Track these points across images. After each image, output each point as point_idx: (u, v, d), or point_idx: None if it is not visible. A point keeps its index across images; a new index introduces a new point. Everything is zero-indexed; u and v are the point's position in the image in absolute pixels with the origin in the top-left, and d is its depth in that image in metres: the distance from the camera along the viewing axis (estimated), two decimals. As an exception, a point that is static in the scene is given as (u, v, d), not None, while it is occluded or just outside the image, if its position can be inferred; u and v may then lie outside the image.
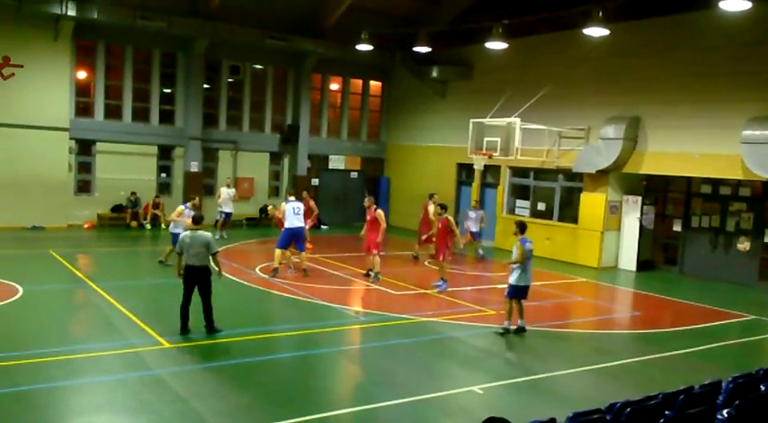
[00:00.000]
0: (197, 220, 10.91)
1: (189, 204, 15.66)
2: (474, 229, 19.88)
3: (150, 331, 10.30)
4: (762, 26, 15.95)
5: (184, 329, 10.17)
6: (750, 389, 6.11)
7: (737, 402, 5.26)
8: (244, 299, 13.49)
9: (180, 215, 15.24)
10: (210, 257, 10.19)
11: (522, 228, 11.38)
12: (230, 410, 7.54)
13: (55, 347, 9.38)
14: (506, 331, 11.25)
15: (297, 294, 13.54)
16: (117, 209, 22.56)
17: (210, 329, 10.26)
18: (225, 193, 21.32)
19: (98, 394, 7.95)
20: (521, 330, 11.36)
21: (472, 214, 20.10)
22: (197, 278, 10.15)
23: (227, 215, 21.30)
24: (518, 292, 11.35)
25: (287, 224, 15.01)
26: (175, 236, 13.78)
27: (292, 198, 15.62)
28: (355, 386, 9.18)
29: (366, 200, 15.91)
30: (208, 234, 10.35)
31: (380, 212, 15.31)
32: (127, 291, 13.13)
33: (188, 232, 10.39)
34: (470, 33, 22.09)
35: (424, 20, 23.86)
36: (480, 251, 19.90)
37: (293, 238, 15.12)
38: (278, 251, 14.97)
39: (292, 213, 15.04)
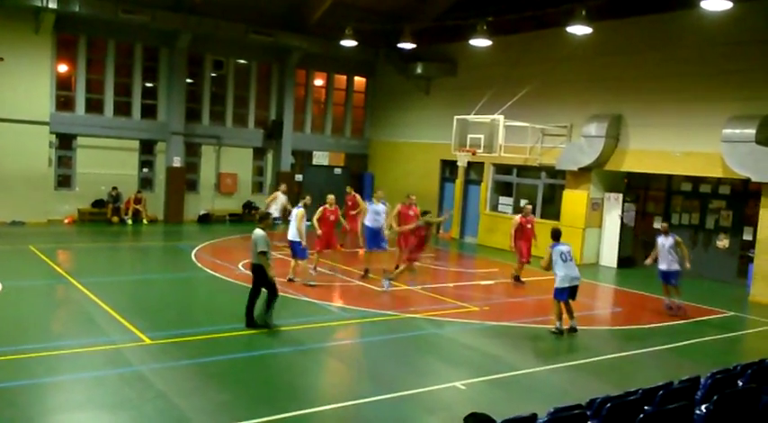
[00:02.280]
0: (261, 219, 11.04)
1: (301, 203, 14.55)
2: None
3: (131, 327, 10.23)
4: (742, 26, 16.12)
5: (249, 322, 10.58)
6: (728, 384, 6.19)
7: (716, 398, 5.31)
8: (226, 295, 13.42)
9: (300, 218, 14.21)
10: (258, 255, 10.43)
11: (554, 235, 11.64)
12: (212, 407, 7.51)
13: (35, 344, 9.27)
14: (559, 332, 11.36)
15: (281, 291, 13.48)
16: (98, 204, 22.36)
17: (261, 322, 10.61)
18: (282, 198, 19.34)
19: (78, 391, 7.89)
20: (572, 330, 11.46)
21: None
22: (254, 275, 10.64)
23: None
24: (561, 294, 11.42)
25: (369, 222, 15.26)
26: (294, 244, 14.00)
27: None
28: (338, 383, 9.18)
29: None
30: (258, 232, 10.51)
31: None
32: (108, 287, 13.02)
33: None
34: (455, 30, 22.13)
35: (409, 16, 23.84)
36: None
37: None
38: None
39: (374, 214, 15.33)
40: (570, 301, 11.55)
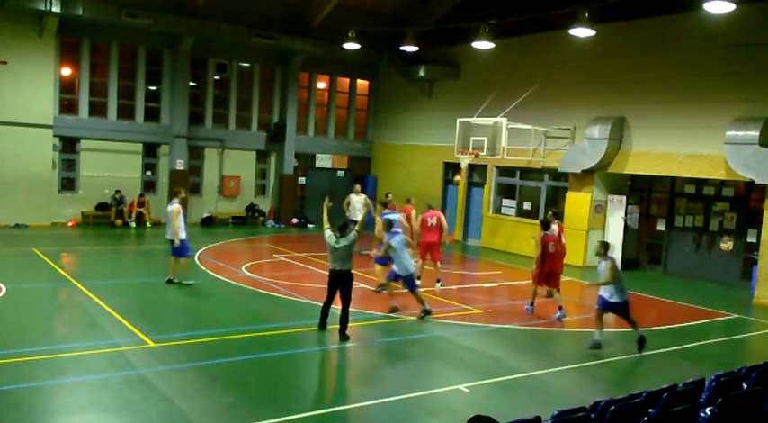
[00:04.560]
0: (342, 229, 10.62)
1: (176, 200, 14.01)
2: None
3: (135, 330, 10.24)
4: (745, 28, 16.10)
5: (321, 325, 10.75)
6: (733, 387, 6.18)
7: (720, 400, 5.31)
8: (230, 298, 13.44)
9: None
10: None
11: (605, 247, 10.96)
12: (215, 410, 7.52)
13: (39, 346, 9.30)
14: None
15: (283, 293, 13.51)
16: (101, 207, 22.39)
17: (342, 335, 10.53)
18: (355, 200, 18.82)
19: (82, 394, 7.90)
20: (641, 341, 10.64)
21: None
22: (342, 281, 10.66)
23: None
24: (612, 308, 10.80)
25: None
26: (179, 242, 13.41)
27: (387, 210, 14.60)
28: (341, 385, 9.18)
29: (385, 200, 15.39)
30: (353, 237, 10.60)
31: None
32: (111, 290, 13.04)
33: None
34: (457, 33, 22.15)
35: (412, 19, 23.87)
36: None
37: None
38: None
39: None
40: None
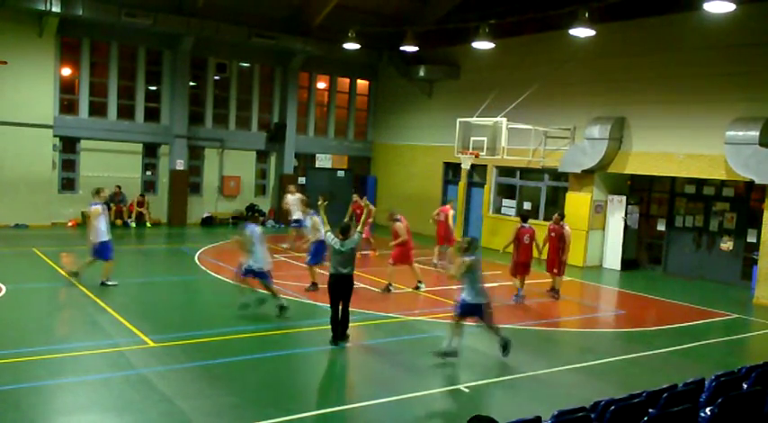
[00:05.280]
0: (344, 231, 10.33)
1: (98, 200, 13.27)
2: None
3: (135, 330, 10.25)
4: (746, 28, 16.10)
5: (335, 339, 10.24)
6: (733, 387, 6.18)
7: (720, 400, 5.31)
8: (230, 297, 13.42)
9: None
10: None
11: (470, 244, 10.06)
12: (216, 410, 7.52)
13: (39, 346, 9.30)
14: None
15: (283, 293, 13.49)
16: (102, 207, 22.36)
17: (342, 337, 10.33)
18: (291, 199, 19.25)
19: (82, 394, 7.90)
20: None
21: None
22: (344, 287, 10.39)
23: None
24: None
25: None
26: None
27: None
28: (341, 385, 9.18)
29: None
30: (356, 238, 10.41)
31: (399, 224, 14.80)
32: (111, 290, 13.02)
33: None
34: (457, 33, 22.15)
35: (412, 19, 23.87)
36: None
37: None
38: None
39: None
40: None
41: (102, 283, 13.12)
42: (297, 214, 18.40)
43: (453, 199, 21.04)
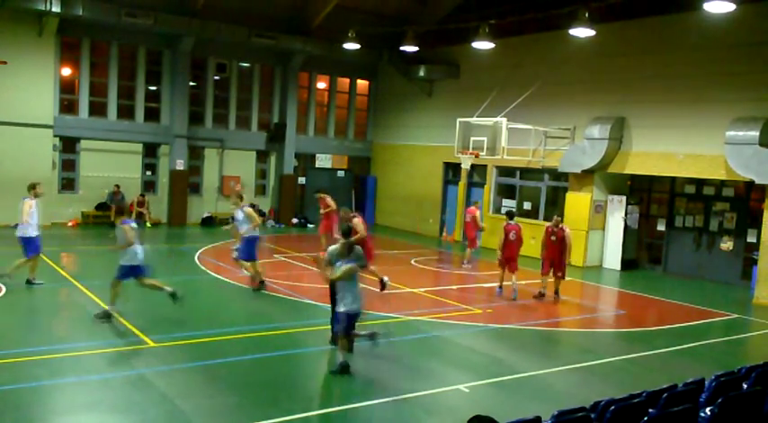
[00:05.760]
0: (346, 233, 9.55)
1: (31, 195, 13.06)
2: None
3: (135, 330, 10.24)
4: (746, 28, 16.10)
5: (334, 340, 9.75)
6: (733, 387, 6.18)
7: (720, 400, 5.30)
8: (230, 298, 13.43)
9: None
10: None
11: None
12: (216, 410, 7.52)
13: (38, 347, 9.30)
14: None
15: (284, 293, 13.51)
16: (101, 207, 22.39)
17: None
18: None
19: (83, 394, 7.90)
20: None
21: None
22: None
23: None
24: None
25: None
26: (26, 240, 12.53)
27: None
28: (341, 385, 9.16)
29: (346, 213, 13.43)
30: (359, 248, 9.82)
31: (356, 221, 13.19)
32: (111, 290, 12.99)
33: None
34: (457, 33, 22.15)
35: (412, 19, 23.88)
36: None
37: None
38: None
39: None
40: None
41: (29, 282, 12.71)
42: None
43: (478, 200, 21.04)
